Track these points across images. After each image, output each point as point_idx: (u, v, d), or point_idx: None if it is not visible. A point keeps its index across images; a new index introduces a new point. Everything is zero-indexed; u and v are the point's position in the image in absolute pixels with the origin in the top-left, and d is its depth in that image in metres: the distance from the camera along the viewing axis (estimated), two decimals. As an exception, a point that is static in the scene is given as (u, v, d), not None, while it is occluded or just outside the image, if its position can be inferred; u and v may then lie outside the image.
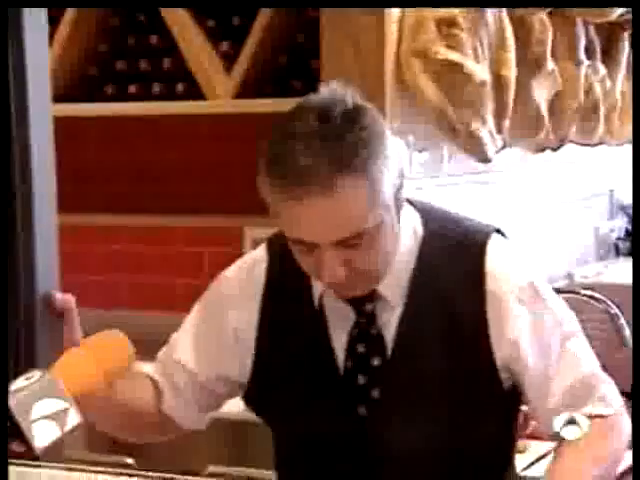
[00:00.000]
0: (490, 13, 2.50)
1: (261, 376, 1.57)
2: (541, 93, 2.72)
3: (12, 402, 1.17)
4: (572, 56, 2.90)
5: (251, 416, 1.65)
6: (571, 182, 3.31)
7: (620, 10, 2.89)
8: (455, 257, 1.52)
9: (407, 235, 1.52)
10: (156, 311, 2.97)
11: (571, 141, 3.01)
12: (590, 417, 1.50)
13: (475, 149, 2.46)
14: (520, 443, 2.34)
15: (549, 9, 2.71)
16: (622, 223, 3.55)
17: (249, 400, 1.61)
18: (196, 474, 1.46)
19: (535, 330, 1.51)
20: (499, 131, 2.52)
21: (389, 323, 1.51)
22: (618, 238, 3.52)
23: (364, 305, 1.51)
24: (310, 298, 1.53)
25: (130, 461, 2.18)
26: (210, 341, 1.60)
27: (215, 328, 1.60)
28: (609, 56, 3.15)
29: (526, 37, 2.66)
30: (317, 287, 1.52)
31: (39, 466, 1.06)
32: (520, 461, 2.28)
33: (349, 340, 1.51)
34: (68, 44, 2.97)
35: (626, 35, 3.20)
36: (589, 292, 2.66)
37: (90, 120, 3.05)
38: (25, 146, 1.45)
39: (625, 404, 2.64)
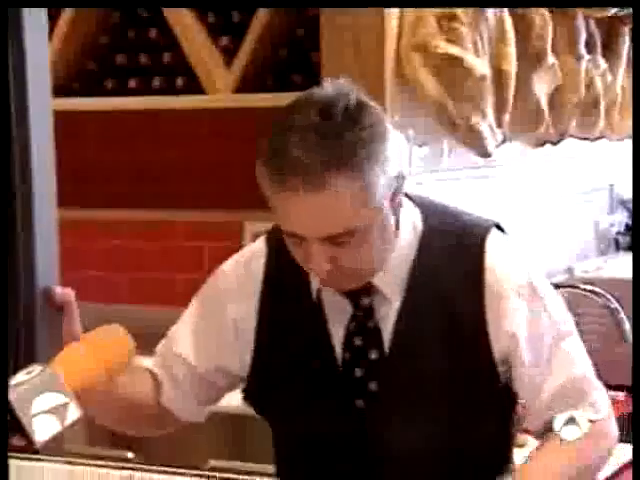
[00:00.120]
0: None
1: (260, 369, 1.57)
2: (541, 87, 2.71)
3: (12, 396, 1.17)
4: (572, 50, 2.90)
5: (251, 410, 1.65)
6: (571, 176, 3.31)
7: (620, 3, 2.89)
8: (454, 252, 1.52)
9: (406, 230, 1.52)
10: (156, 306, 2.97)
11: (571, 135, 3.01)
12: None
13: (475, 143, 2.46)
14: (520, 437, 2.35)
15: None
16: (622, 218, 3.55)
17: (248, 394, 1.61)
18: (196, 468, 1.46)
19: (531, 327, 1.51)
20: (499, 125, 2.52)
21: (387, 317, 1.51)
22: (618, 233, 3.52)
23: (361, 299, 1.51)
24: (308, 292, 1.53)
25: (130, 455, 2.18)
26: (209, 334, 1.60)
27: (214, 321, 1.60)
28: (610, 50, 3.14)
29: (526, 31, 2.66)
30: (315, 280, 1.52)
31: (39, 460, 1.07)
32: (519, 455, 2.29)
33: (346, 333, 1.52)
34: (68, 38, 2.97)
35: (627, 29, 3.19)
36: (589, 286, 2.66)
37: (90, 114, 3.05)
38: (25, 146, 1.45)
39: (625, 398, 2.65)
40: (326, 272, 1.43)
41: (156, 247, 3.14)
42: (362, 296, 1.51)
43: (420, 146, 2.51)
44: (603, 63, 3.05)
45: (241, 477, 1.00)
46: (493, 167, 2.80)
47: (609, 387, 2.61)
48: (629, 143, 3.24)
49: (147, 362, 1.63)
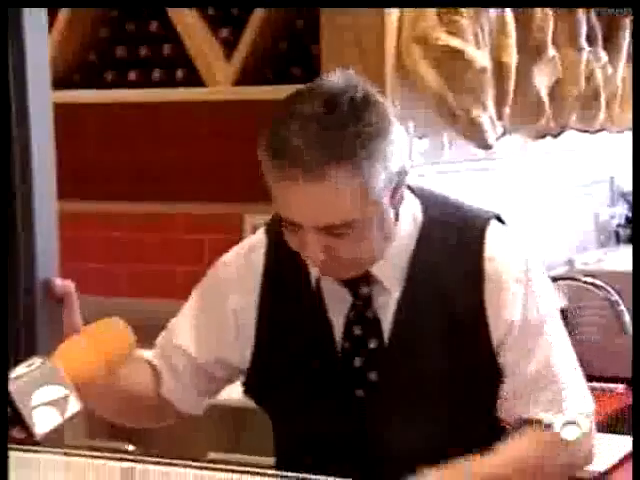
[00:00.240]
0: (491, -1, 2.49)
1: (261, 360, 1.58)
2: (542, 80, 2.71)
3: (13, 388, 1.17)
4: (573, 42, 2.89)
5: (250, 403, 1.65)
6: (571, 169, 3.30)
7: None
8: (454, 243, 1.52)
9: (406, 221, 1.52)
10: (156, 298, 2.97)
11: (572, 128, 3.01)
12: (539, 423, 1.50)
13: (475, 136, 2.46)
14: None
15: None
16: (622, 210, 3.54)
17: (249, 386, 1.61)
18: (196, 461, 1.46)
19: (523, 315, 1.51)
20: (499, 118, 2.52)
21: (386, 307, 1.51)
22: (618, 225, 3.52)
23: (360, 288, 1.52)
24: (308, 281, 1.54)
25: (130, 447, 2.18)
26: (210, 325, 1.60)
27: (215, 313, 1.60)
28: (610, 42, 3.13)
29: (527, 23, 2.65)
30: (314, 270, 1.52)
31: (37, 451, 1.07)
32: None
33: (346, 323, 1.52)
34: (68, 30, 2.96)
35: (627, 22, 3.18)
36: (589, 279, 2.66)
37: (90, 107, 3.04)
38: (25, 141, 1.45)
39: (625, 390, 2.65)
40: (321, 261, 1.43)
41: (156, 240, 3.14)
42: (361, 285, 1.51)
43: (420, 138, 2.51)
44: (604, 55, 3.05)
45: (241, 469, 1.00)
46: (493, 160, 2.79)
47: (609, 379, 2.62)
48: (629, 135, 3.23)
49: (147, 354, 1.63)
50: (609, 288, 2.60)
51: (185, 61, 2.85)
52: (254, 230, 1.66)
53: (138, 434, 2.09)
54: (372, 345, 1.51)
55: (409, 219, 1.52)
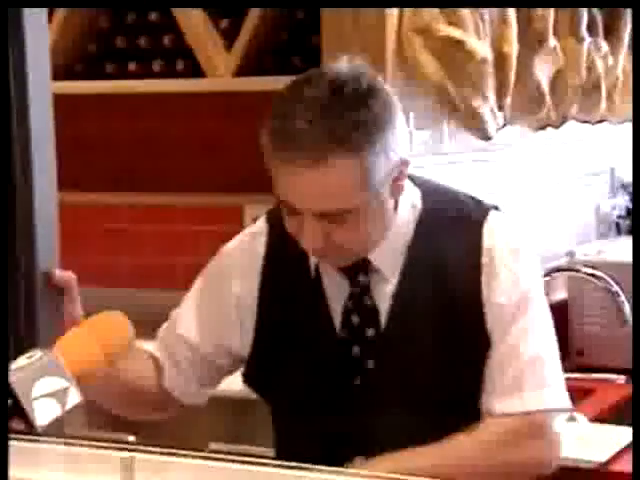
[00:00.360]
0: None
1: (261, 347, 1.58)
2: (543, 70, 2.70)
3: (13, 380, 1.18)
4: (574, 32, 2.88)
5: (251, 394, 1.65)
6: (572, 160, 3.30)
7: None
8: (453, 232, 1.52)
9: (405, 209, 1.52)
10: (156, 290, 2.97)
11: (572, 118, 3.00)
12: (496, 415, 1.48)
13: (476, 126, 2.45)
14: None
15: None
16: (623, 201, 3.54)
17: (248, 373, 1.61)
18: (197, 451, 1.46)
19: (506, 298, 1.50)
20: (500, 108, 2.52)
21: (384, 295, 1.52)
22: (619, 216, 3.51)
23: (358, 276, 1.52)
24: (307, 269, 1.54)
25: (131, 438, 2.18)
26: (212, 312, 1.61)
27: (217, 299, 1.60)
28: (611, 33, 3.13)
29: (528, 13, 2.65)
30: (313, 258, 1.52)
31: (37, 441, 1.07)
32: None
33: (344, 311, 1.52)
34: (68, 21, 2.96)
35: (628, 12, 3.18)
36: (590, 270, 2.66)
37: (90, 97, 3.04)
38: (26, 138, 1.45)
39: (625, 381, 2.65)
40: (318, 248, 1.43)
41: (156, 231, 3.14)
42: (359, 274, 1.52)
43: (421, 130, 2.51)
44: (605, 46, 3.04)
45: (241, 458, 1.00)
46: (494, 151, 2.79)
47: (609, 370, 2.62)
48: (630, 126, 3.23)
49: (148, 347, 1.63)
50: (609, 279, 2.60)
51: (185, 52, 2.85)
52: (254, 221, 1.67)
53: (138, 426, 2.09)
54: (370, 333, 1.52)
55: (408, 208, 1.53)
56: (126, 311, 1.41)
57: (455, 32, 2.35)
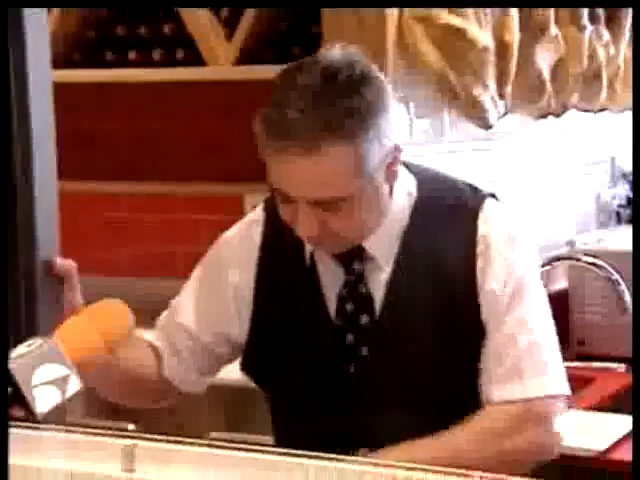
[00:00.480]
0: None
1: (257, 334, 1.58)
2: (544, 58, 2.70)
3: (13, 367, 1.17)
4: (575, 21, 2.88)
5: (251, 382, 1.65)
6: (572, 149, 3.29)
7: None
8: (448, 220, 1.52)
9: (400, 197, 1.52)
10: (156, 278, 2.97)
11: (573, 107, 2.99)
12: (495, 403, 1.48)
13: (477, 115, 2.45)
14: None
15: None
16: (623, 190, 3.54)
17: (246, 361, 1.61)
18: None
19: (501, 286, 1.50)
20: (501, 97, 2.51)
21: (379, 283, 1.52)
22: (619, 205, 3.51)
23: (353, 264, 1.52)
24: (302, 257, 1.54)
25: (131, 427, 2.19)
26: (211, 301, 1.61)
27: (215, 288, 1.61)
28: (613, 21, 3.12)
29: (529, 2, 2.64)
30: (307, 245, 1.52)
31: (38, 428, 1.07)
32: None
33: (339, 299, 1.53)
34: (67, 8, 2.95)
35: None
36: (590, 259, 2.66)
37: (89, 86, 3.03)
38: (26, 126, 1.45)
39: (626, 369, 2.65)
40: (314, 235, 1.43)
41: (156, 220, 3.14)
42: (354, 261, 1.52)
43: (421, 118, 2.50)
44: (606, 34, 3.03)
45: (242, 446, 1.00)
46: (494, 139, 2.79)
47: (610, 359, 2.62)
48: (631, 115, 3.22)
49: (148, 335, 1.63)
50: (610, 268, 2.60)
51: (186, 41, 2.84)
52: (254, 210, 1.66)
53: (138, 415, 2.09)
54: (364, 321, 1.52)
55: (403, 195, 1.52)
56: (126, 300, 1.41)
57: (456, 20, 2.35)
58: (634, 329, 2.12)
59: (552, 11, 2.71)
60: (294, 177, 1.40)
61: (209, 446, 1.00)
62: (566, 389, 1.53)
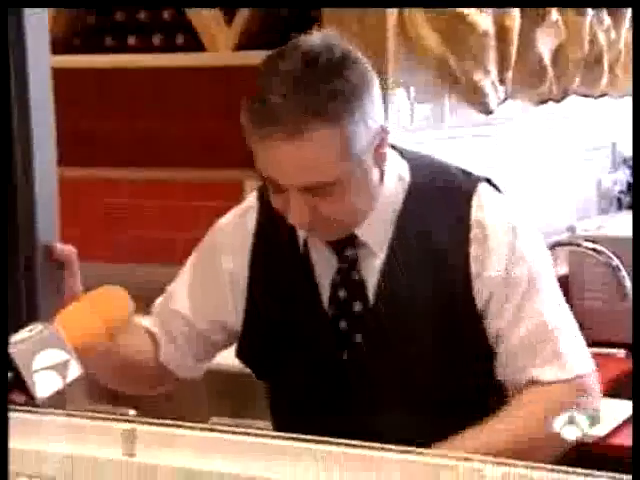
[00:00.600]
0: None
1: (251, 321, 1.58)
2: (545, 43, 2.69)
3: (14, 352, 1.17)
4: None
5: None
6: (573, 134, 3.29)
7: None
8: (441, 204, 1.52)
9: (392, 182, 1.51)
10: (156, 265, 2.97)
11: (574, 92, 2.99)
12: (538, 383, 1.48)
13: (477, 100, 2.44)
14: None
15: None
16: (624, 176, 3.53)
17: (240, 348, 1.61)
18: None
19: (508, 275, 1.49)
20: (501, 82, 2.50)
21: (372, 269, 1.51)
22: (620, 191, 3.51)
23: (346, 251, 1.51)
24: (296, 244, 1.54)
25: (132, 412, 2.19)
26: (205, 287, 1.61)
27: (210, 275, 1.60)
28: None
29: (530, -13, 2.63)
30: (301, 232, 1.52)
31: (38, 412, 1.07)
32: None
33: (332, 285, 1.52)
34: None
35: (631, -15, 3.16)
36: (590, 244, 2.65)
37: (89, 71, 3.03)
38: (25, 112, 1.45)
39: (626, 355, 2.65)
40: (306, 222, 1.43)
41: (156, 206, 3.14)
42: (346, 248, 1.51)
43: (421, 104, 2.50)
44: (607, 19, 3.03)
45: (242, 430, 1.00)
46: (495, 125, 2.78)
47: (610, 344, 2.62)
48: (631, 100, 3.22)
49: (145, 321, 1.63)
50: (610, 254, 2.59)
51: (185, 26, 2.83)
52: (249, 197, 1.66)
53: (140, 402, 2.09)
54: (357, 308, 1.52)
55: (395, 180, 1.52)
56: (126, 286, 1.41)
57: (456, 5, 2.34)
58: (634, 315, 2.12)
59: (553, -4, 2.70)
60: (280, 163, 1.39)
61: (210, 430, 1.00)
62: (592, 366, 1.55)
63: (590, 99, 3.15)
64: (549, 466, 1.00)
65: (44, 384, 1.17)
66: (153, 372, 1.63)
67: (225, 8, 2.80)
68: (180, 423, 1.02)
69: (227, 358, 1.68)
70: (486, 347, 1.53)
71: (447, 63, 2.36)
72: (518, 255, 1.51)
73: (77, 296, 1.43)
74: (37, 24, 1.46)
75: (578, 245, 2.71)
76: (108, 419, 1.02)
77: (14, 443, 1.02)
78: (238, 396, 2.41)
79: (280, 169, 1.40)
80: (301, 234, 1.53)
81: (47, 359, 1.19)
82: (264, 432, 1.03)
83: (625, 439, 2.02)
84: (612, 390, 2.33)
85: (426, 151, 1.65)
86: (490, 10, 2.45)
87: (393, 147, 1.54)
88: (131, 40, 2.93)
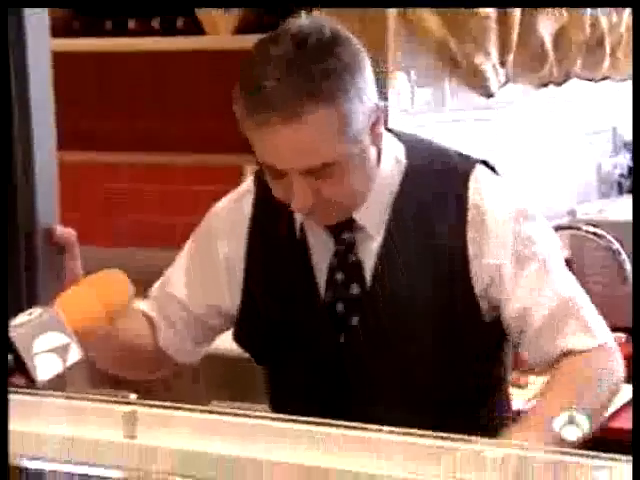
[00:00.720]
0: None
1: (249, 306, 1.58)
2: (546, 26, 2.68)
3: (14, 335, 1.17)
4: (578, -12, 2.86)
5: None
6: (574, 118, 3.28)
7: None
8: (438, 187, 1.51)
9: (388, 164, 1.51)
10: (155, 249, 2.97)
11: (576, 76, 2.98)
12: (572, 353, 1.48)
13: (478, 83, 2.44)
14: (522, 378, 2.36)
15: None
16: (625, 160, 3.53)
17: (237, 332, 1.61)
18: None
19: (516, 258, 1.49)
20: (502, 65, 2.50)
21: (369, 252, 1.51)
22: (621, 175, 3.50)
23: (343, 234, 1.51)
24: (293, 228, 1.53)
25: (133, 396, 2.19)
26: (202, 273, 1.61)
27: (207, 259, 1.60)
28: (615, -11, 3.10)
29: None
30: (298, 216, 1.52)
31: (38, 394, 1.07)
32: (521, 396, 2.30)
33: (329, 269, 1.52)
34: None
35: (632, -32, 3.14)
36: (591, 228, 2.65)
37: (89, 55, 3.02)
38: (25, 95, 1.45)
39: (626, 339, 2.66)
40: (309, 206, 1.42)
41: (156, 190, 3.13)
42: (343, 231, 1.51)
43: (422, 87, 2.49)
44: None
45: (243, 412, 1.01)
46: (496, 109, 2.77)
47: (610, 328, 2.62)
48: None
49: (142, 305, 1.63)
50: (611, 237, 2.59)
51: (185, 10, 2.82)
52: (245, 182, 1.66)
53: (140, 388, 2.09)
54: (354, 291, 1.51)
55: (392, 163, 1.51)
56: (125, 270, 1.41)
57: (457, -13, 2.33)
58: (634, 299, 2.13)
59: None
60: (279, 148, 1.39)
61: (211, 412, 1.00)
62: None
63: (591, 83, 3.15)
64: (549, 447, 1.00)
65: (44, 367, 1.17)
66: (152, 356, 1.63)
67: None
68: (180, 405, 1.02)
69: (225, 342, 1.68)
70: (485, 331, 1.52)
71: (448, 46, 2.36)
72: (524, 237, 1.50)
73: (77, 279, 1.43)
74: (37, 24, 1.46)
75: (579, 229, 2.71)
76: (109, 401, 1.03)
77: (14, 425, 1.02)
78: (238, 381, 2.41)
79: (279, 154, 1.39)
80: (298, 218, 1.53)
81: (47, 342, 1.19)
82: (264, 414, 1.03)
83: (625, 422, 2.03)
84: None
85: (427, 135, 1.65)
86: (491, -7, 2.44)
87: (390, 130, 1.54)
88: (131, 24, 2.92)
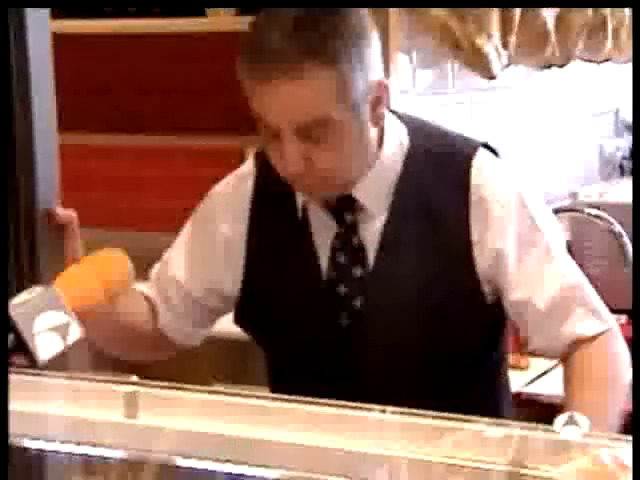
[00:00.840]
0: None
1: (249, 288, 1.58)
2: (548, 8, 2.67)
3: (14, 314, 1.17)
4: (580, -31, 2.84)
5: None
6: (576, 100, 3.27)
7: None
8: (441, 169, 1.51)
9: (391, 145, 1.51)
10: (156, 233, 2.97)
11: (578, 58, 2.97)
12: (582, 340, 1.48)
13: (480, 65, 2.43)
14: (522, 360, 2.36)
15: None
16: (627, 143, 3.52)
17: (238, 314, 1.61)
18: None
19: (519, 241, 1.49)
20: (504, 47, 2.49)
21: (372, 233, 1.51)
22: (623, 157, 3.49)
23: (344, 215, 1.51)
24: (294, 209, 1.53)
25: (135, 378, 2.19)
26: (202, 255, 1.60)
27: (206, 241, 1.60)
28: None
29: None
30: (299, 197, 1.51)
31: (39, 375, 1.07)
32: (521, 378, 2.30)
33: (331, 250, 1.52)
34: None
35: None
36: (593, 211, 2.65)
37: (89, 37, 3.01)
38: (25, 77, 1.44)
39: (627, 321, 2.66)
40: (301, 170, 1.42)
41: (156, 173, 3.13)
42: (345, 212, 1.51)
43: (423, 68, 2.48)
44: (611, -17, 3.00)
45: (245, 392, 1.01)
46: (498, 90, 2.77)
47: (611, 311, 2.62)
48: (635, 66, 3.19)
49: (142, 287, 1.63)
50: (612, 220, 2.59)
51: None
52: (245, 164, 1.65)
53: (142, 370, 2.10)
54: (356, 272, 1.51)
55: (395, 144, 1.51)
56: (126, 253, 1.41)
57: (459, -32, 2.32)
58: (634, 282, 2.12)
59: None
60: (277, 103, 1.39)
61: (212, 392, 1.01)
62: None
63: (593, 64, 3.13)
64: (550, 427, 1.00)
65: (45, 346, 1.17)
66: (151, 338, 1.62)
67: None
68: (181, 386, 1.02)
69: (226, 324, 1.68)
70: (487, 313, 1.52)
71: (449, 27, 2.35)
72: (527, 221, 1.50)
73: (77, 259, 1.43)
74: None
75: (580, 211, 2.71)
76: (110, 381, 1.03)
77: (15, 405, 1.03)
78: (240, 363, 2.41)
79: (276, 108, 1.40)
80: (299, 199, 1.52)
81: (48, 321, 1.19)
82: (265, 395, 1.03)
83: (625, 404, 2.02)
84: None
85: (428, 117, 1.65)
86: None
87: (392, 112, 1.54)
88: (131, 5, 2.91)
